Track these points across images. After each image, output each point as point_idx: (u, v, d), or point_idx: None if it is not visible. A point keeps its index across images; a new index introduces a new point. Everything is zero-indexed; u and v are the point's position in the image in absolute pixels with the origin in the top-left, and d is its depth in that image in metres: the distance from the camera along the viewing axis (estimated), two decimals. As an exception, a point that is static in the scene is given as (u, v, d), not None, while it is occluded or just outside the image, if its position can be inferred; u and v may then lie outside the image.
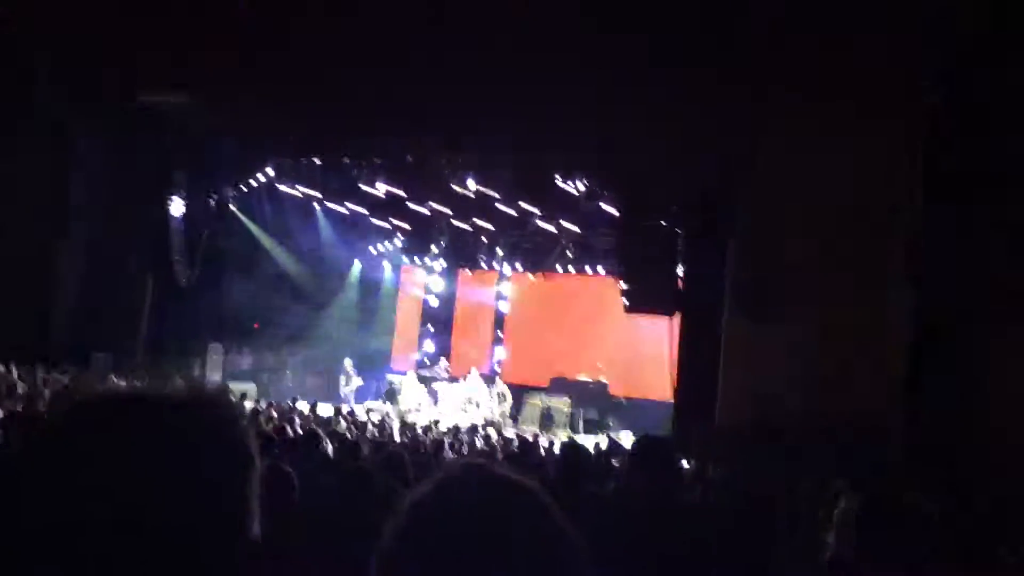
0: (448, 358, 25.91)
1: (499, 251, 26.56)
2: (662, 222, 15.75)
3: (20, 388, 13.26)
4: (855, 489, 7.69)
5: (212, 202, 21.91)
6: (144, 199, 20.77)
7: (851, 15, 12.65)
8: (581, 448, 6.10)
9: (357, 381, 23.60)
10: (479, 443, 12.91)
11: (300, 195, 23.10)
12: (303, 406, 16.35)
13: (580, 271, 25.35)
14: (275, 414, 14.04)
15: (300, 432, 9.24)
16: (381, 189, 21.69)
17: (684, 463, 9.62)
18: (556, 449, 12.24)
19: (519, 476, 1.32)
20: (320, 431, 8.63)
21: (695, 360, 15.80)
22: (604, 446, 13.70)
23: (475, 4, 13.66)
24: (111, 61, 17.18)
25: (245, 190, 22.37)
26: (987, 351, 12.18)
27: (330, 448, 7.91)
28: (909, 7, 12.36)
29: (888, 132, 13.23)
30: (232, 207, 22.68)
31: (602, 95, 15.42)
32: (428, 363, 26.44)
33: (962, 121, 12.51)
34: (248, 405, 15.25)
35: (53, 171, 20.89)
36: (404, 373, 24.84)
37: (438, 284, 28.57)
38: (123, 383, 13.83)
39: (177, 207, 20.64)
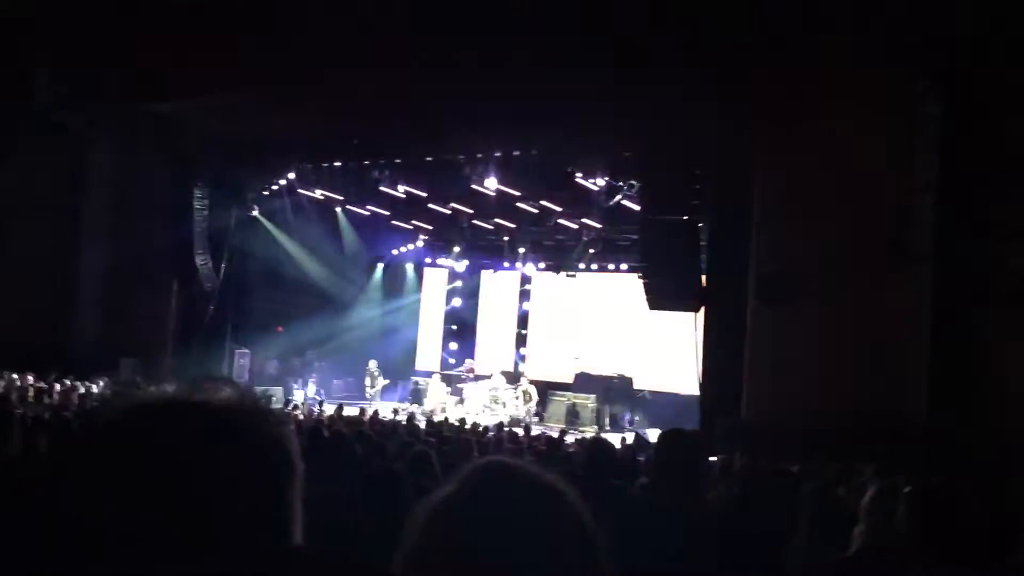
0: (473, 358, 25.92)
1: (521, 250, 26.53)
2: (684, 217, 15.67)
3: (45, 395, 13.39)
4: (881, 475, 7.67)
5: (235, 207, 22.02)
6: (168, 205, 20.92)
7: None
8: (606, 443, 6.10)
9: (382, 382, 23.66)
10: (506, 441, 12.90)
11: (322, 198, 23.19)
12: (329, 408, 16.42)
13: (603, 268, 25.27)
14: (301, 417, 14.10)
15: (327, 435, 9.27)
16: (402, 190, 21.75)
17: (711, 457, 9.59)
18: (584, 441, 12.25)
19: (544, 473, 1.29)
20: (347, 432, 8.67)
21: (720, 354, 15.75)
22: (630, 441, 13.68)
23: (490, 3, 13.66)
24: (131, 66, 17.30)
25: (267, 195, 22.47)
26: (1006, 337, 12.12)
27: (358, 450, 7.94)
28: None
29: (902, 118, 13.18)
30: (255, 212, 22.79)
31: (619, 91, 15.41)
32: (453, 363, 26.49)
33: (976, 105, 12.46)
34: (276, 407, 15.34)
35: (76, 177, 21.11)
36: (429, 374, 24.89)
37: (461, 284, 28.59)
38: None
39: (201, 213, 20.75)
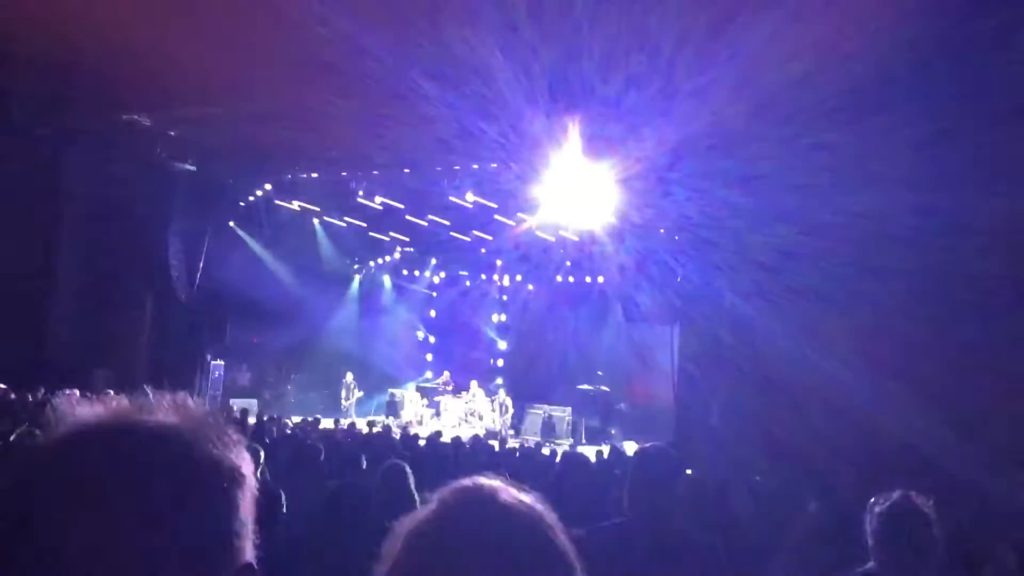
0: (449, 370, 25.90)
1: (498, 262, 26.55)
2: (660, 230, 15.76)
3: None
4: (857, 487, 7.71)
5: (211, 218, 21.90)
6: (143, 216, 20.79)
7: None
8: (580, 456, 6.09)
9: (358, 394, 23.58)
10: (482, 454, 12.87)
11: (299, 209, 23.13)
12: (305, 420, 16.33)
13: (580, 281, 25.33)
14: (275, 429, 14.02)
15: (299, 446, 9.22)
16: (379, 202, 21.71)
17: (687, 471, 9.61)
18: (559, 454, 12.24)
19: (519, 498, 1.28)
20: (320, 446, 8.61)
21: (696, 368, 15.80)
22: (606, 454, 13.68)
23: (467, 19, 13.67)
24: (105, 79, 17.20)
25: (244, 206, 22.38)
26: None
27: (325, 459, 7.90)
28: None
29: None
30: (231, 223, 22.68)
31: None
32: (429, 375, 26.44)
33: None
34: (250, 421, 15.24)
35: (51, 188, 20.94)
36: (405, 386, 24.84)
37: (438, 296, 28.59)
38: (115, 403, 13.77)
39: (176, 224, 20.63)
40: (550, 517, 1.27)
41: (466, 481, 1.31)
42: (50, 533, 1.01)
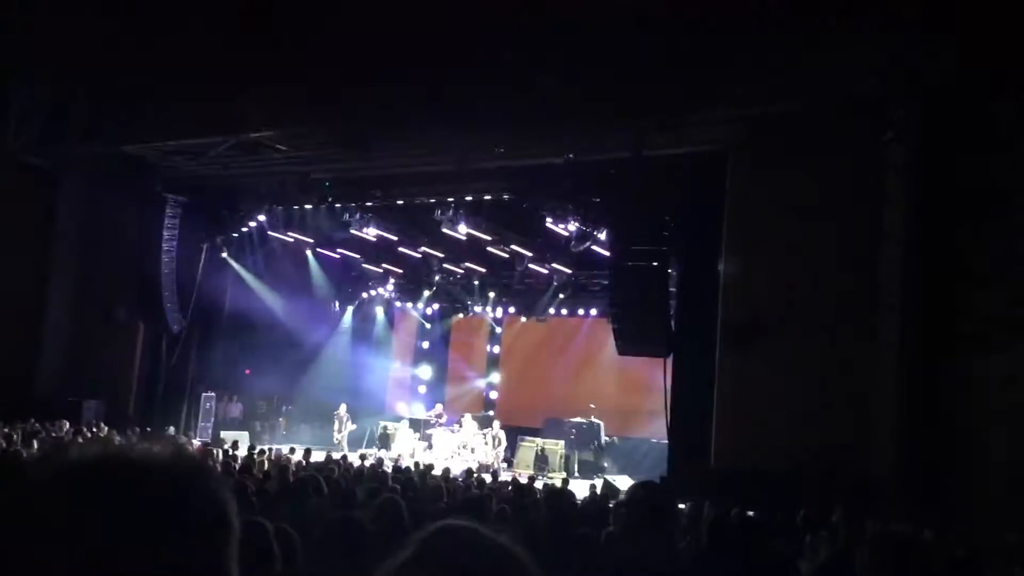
0: (442, 402, 25.79)
1: (491, 294, 26.56)
2: (654, 263, 15.76)
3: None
4: (849, 521, 7.69)
5: (204, 248, 21.88)
6: (136, 246, 20.77)
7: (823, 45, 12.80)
8: (567, 492, 6.06)
9: (350, 427, 23.45)
10: (474, 488, 12.80)
11: (292, 240, 23.14)
12: (296, 453, 16.22)
13: (573, 313, 25.34)
14: (267, 463, 13.93)
15: (292, 479, 9.17)
16: (372, 233, 21.73)
17: (680, 504, 9.56)
18: (551, 488, 12.17)
19: (500, 536, 1.30)
20: (319, 477, 8.57)
21: (689, 400, 15.77)
22: (599, 489, 13.61)
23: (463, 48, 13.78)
24: (101, 108, 17.27)
25: (237, 236, 22.36)
26: (969, 379, 12.25)
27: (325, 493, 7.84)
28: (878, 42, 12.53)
29: (869, 164, 13.41)
30: (224, 253, 22.65)
31: (590, 137, 15.59)
32: (422, 408, 26.33)
33: (941, 154, 12.72)
34: (240, 454, 15.15)
35: (44, 218, 20.96)
36: (398, 419, 24.72)
37: (431, 328, 28.56)
38: (105, 439, 13.74)
39: (169, 254, 20.59)
40: (527, 557, 1.28)
41: (445, 523, 1.33)
42: (37, 568, 1.00)
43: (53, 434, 14.56)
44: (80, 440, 13.06)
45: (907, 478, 12.19)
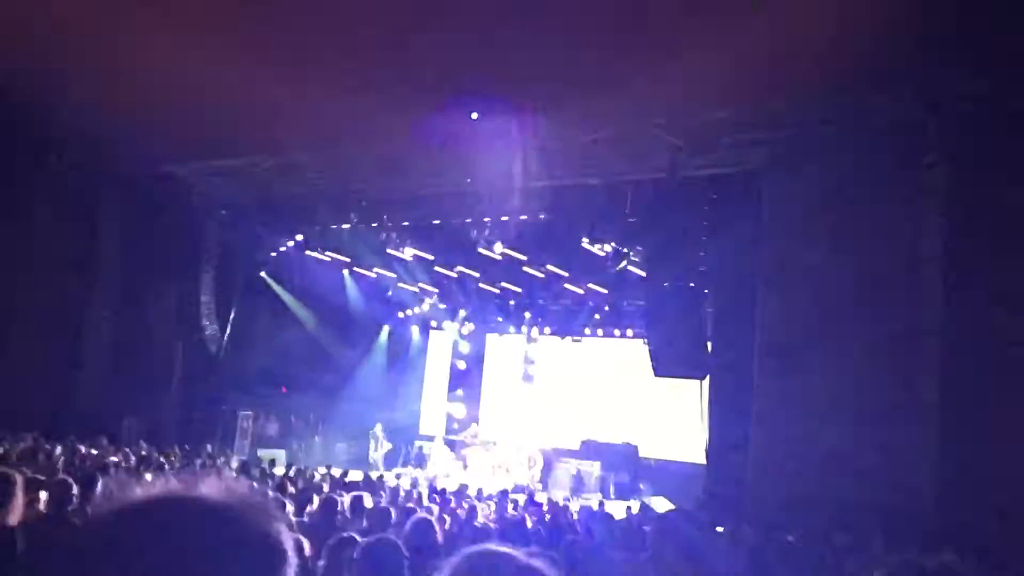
0: (477, 422, 25.81)
1: (527, 314, 26.58)
2: (690, 284, 15.68)
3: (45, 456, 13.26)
4: (890, 549, 7.57)
5: (242, 268, 22.10)
6: (176, 266, 21.02)
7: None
8: (606, 516, 6.02)
9: (386, 446, 23.51)
10: (509, 508, 12.77)
11: (329, 260, 23.30)
12: (333, 472, 16.27)
13: (608, 334, 25.28)
14: (302, 482, 13.97)
15: (327, 500, 9.18)
16: (409, 253, 21.85)
17: (718, 528, 9.47)
18: (588, 509, 12.11)
19: (533, 560, 1.30)
20: (350, 497, 8.58)
21: (726, 423, 15.64)
22: (636, 510, 13.53)
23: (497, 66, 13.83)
24: (139, 131, 17.52)
25: (275, 256, 22.57)
26: (1010, 402, 12.04)
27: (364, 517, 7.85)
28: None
29: (906, 186, 13.29)
30: (262, 273, 22.87)
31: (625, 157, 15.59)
32: (457, 428, 26.34)
33: (980, 176, 12.57)
34: (278, 472, 15.22)
35: (87, 238, 21.26)
36: (433, 438, 24.76)
37: (466, 348, 28.59)
38: (153, 470, 13.86)
39: (208, 274, 20.83)
40: None
41: (481, 547, 1.34)
42: None
43: (93, 451, 14.69)
44: (142, 476, 13.19)
45: (947, 503, 11.98)
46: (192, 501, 1.12)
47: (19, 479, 5.00)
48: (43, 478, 7.89)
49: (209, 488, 1.16)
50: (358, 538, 4.78)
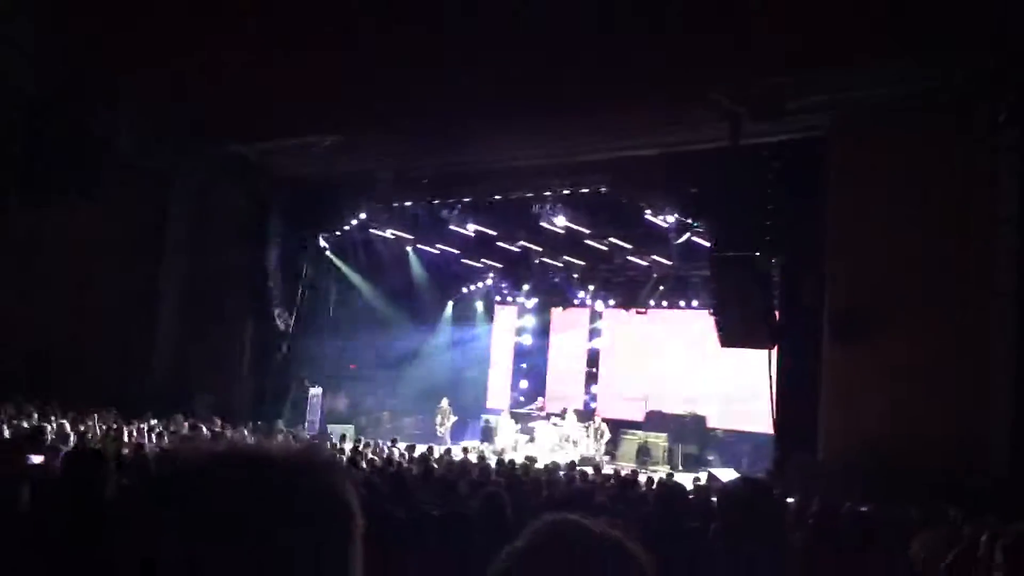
0: (543, 395, 25.86)
1: (591, 287, 26.52)
2: (755, 252, 15.46)
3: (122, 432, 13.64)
4: (964, 520, 7.44)
5: (308, 246, 22.36)
6: (244, 244, 21.34)
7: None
8: (679, 488, 6.01)
9: (452, 420, 23.71)
10: (577, 481, 12.80)
11: (392, 237, 23.47)
12: (401, 446, 16.49)
13: (673, 305, 25.10)
14: (373, 456, 14.18)
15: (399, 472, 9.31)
16: (471, 229, 21.91)
17: (788, 499, 9.39)
18: (656, 481, 12.10)
19: (612, 532, 1.29)
20: (419, 471, 8.70)
21: (795, 393, 15.47)
22: (704, 482, 13.47)
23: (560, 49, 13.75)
24: (206, 107, 17.78)
25: (339, 234, 22.79)
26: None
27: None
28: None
29: (979, 144, 12.94)
30: (327, 251, 23.12)
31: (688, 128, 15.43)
32: (523, 401, 26.44)
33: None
34: (347, 447, 15.45)
35: (155, 217, 21.69)
36: (499, 412, 24.87)
37: (531, 322, 28.64)
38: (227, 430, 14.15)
39: (275, 252, 21.11)
40: (640, 553, 1.27)
41: (557, 516, 1.33)
42: (182, 566, 1.04)
43: (171, 428, 15.07)
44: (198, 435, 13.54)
45: (1022, 472, 11.73)
46: (259, 456, 1.14)
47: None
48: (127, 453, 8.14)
49: (276, 446, 1.17)
50: (430, 511, 4.85)
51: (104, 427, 14.03)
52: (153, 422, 15.75)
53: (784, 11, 12.24)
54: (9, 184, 17.29)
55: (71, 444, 10.12)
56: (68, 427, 12.60)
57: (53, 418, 13.39)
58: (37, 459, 8.08)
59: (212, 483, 1.09)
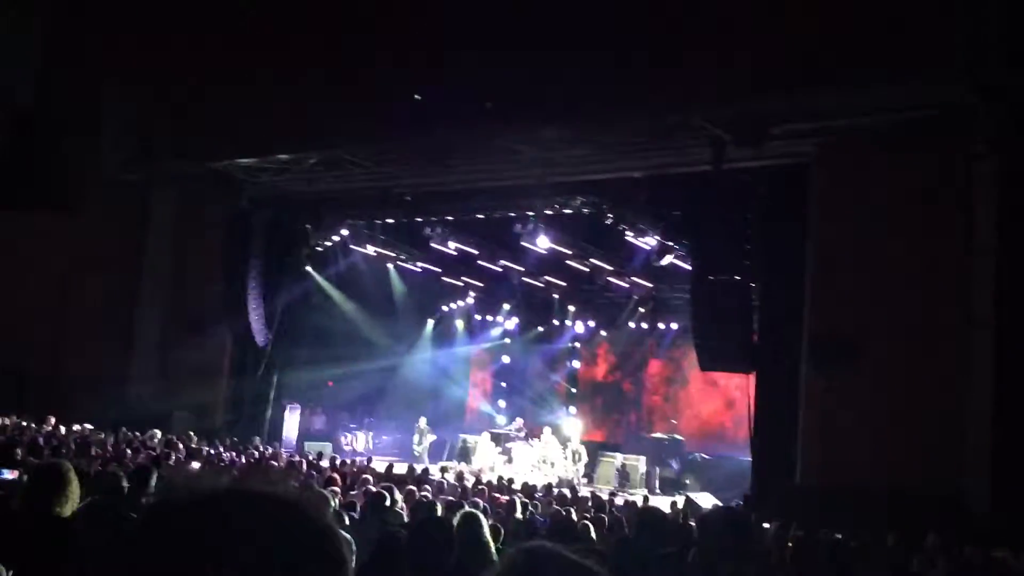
0: (522, 416, 25.80)
1: (571, 308, 26.53)
2: (736, 277, 15.51)
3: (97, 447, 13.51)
4: (946, 547, 7.45)
5: (289, 263, 22.27)
6: (224, 261, 21.24)
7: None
8: (656, 511, 5.98)
9: (430, 439, 23.61)
10: (554, 503, 12.76)
11: (374, 254, 23.43)
12: (378, 465, 16.39)
13: (653, 327, 25.14)
14: (348, 475, 14.07)
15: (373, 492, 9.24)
16: (452, 247, 21.90)
17: (764, 524, 9.38)
18: (633, 505, 12.07)
19: (585, 559, 1.29)
20: (396, 491, 8.63)
21: (773, 417, 15.49)
22: (681, 505, 13.45)
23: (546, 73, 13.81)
24: (185, 126, 17.75)
25: (321, 251, 22.73)
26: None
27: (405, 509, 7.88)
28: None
29: (958, 174, 13.08)
30: (308, 268, 23.03)
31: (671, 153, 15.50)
32: (502, 421, 26.38)
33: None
34: (324, 464, 15.35)
35: (137, 233, 21.61)
36: (478, 432, 24.80)
37: (511, 342, 28.62)
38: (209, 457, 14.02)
39: (255, 268, 21.01)
40: None
41: (532, 543, 1.35)
42: None
43: (146, 443, 14.95)
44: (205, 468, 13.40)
45: (1003, 501, 11.76)
46: (263, 493, 1.12)
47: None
48: (100, 468, 8.05)
49: (276, 482, 1.15)
50: (404, 532, 4.80)
51: (77, 442, 13.87)
52: (126, 433, 15.62)
53: (766, 38, 12.34)
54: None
55: (44, 459, 9.98)
56: (41, 442, 12.45)
57: (26, 432, 13.24)
58: (10, 475, 7.98)
59: (208, 521, 1.07)
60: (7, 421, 14.52)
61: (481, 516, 6.09)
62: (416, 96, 14.75)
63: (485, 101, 14.51)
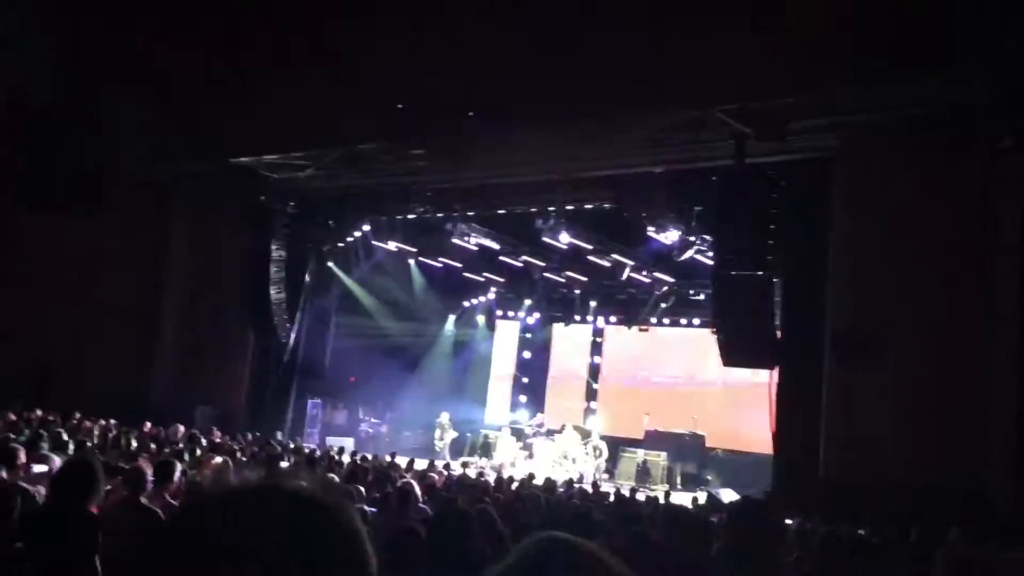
0: (543, 412, 25.79)
1: (592, 303, 26.50)
2: (758, 272, 15.42)
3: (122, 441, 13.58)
4: (966, 543, 7.38)
5: (311, 259, 22.36)
6: (246, 257, 21.32)
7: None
8: (678, 507, 5.96)
9: (452, 435, 23.64)
10: (575, 498, 12.73)
11: (395, 250, 23.47)
12: (400, 461, 16.41)
13: (675, 323, 25.07)
14: (370, 471, 14.10)
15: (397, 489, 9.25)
16: (474, 243, 21.90)
17: (787, 520, 9.34)
18: (655, 500, 12.04)
19: (603, 551, 1.29)
20: (416, 486, 8.64)
21: (796, 413, 15.41)
22: (702, 501, 13.40)
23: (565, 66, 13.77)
24: (208, 121, 17.81)
25: (342, 246, 22.80)
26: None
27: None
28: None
29: (983, 171, 12.95)
30: (330, 263, 23.11)
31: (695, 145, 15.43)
32: (523, 417, 26.38)
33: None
34: (345, 460, 15.39)
35: (159, 230, 21.74)
36: (499, 428, 24.80)
37: (532, 337, 28.61)
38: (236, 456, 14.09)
39: (277, 264, 21.08)
40: (625, 572, 1.27)
41: (546, 534, 1.33)
42: None
43: (170, 438, 15.04)
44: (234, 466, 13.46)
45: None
46: (290, 490, 1.12)
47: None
48: (123, 465, 8.11)
49: (302, 480, 1.16)
50: (423, 526, 4.81)
51: (101, 437, 13.97)
52: (150, 428, 15.72)
53: (788, 32, 12.26)
54: (13, 196, 17.36)
55: (69, 453, 10.06)
56: (66, 436, 12.54)
57: (51, 427, 13.33)
58: (39, 468, 8.04)
59: (236, 517, 1.07)
60: (32, 415, 14.63)
61: (493, 513, 6.11)
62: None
63: (505, 97, 14.48)
